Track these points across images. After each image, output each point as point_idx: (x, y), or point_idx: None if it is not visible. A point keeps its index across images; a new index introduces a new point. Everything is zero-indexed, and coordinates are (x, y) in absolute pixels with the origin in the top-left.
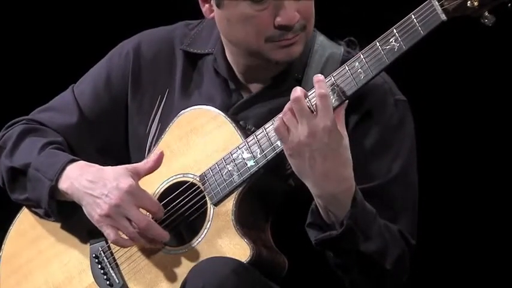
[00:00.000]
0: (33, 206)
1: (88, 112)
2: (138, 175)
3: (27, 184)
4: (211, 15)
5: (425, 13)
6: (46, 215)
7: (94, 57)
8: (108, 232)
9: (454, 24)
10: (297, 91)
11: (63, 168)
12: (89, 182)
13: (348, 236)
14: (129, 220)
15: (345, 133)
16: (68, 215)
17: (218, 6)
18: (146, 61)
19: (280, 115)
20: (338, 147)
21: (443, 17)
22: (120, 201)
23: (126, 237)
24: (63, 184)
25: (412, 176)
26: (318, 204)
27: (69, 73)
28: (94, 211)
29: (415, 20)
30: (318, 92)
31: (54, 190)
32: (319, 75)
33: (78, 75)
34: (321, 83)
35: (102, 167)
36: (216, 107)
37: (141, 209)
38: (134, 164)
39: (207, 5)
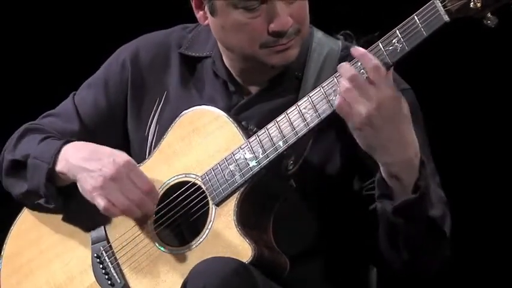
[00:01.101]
0: (33, 198)
1: (88, 120)
2: None
3: (27, 175)
4: (206, 22)
5: (428, 14)
6: (46, 203)
7: (95, 58)
8: (99, 201)
9: (457, 25)
10: (349, 68)
11: (59, 149)
12: (84, 157)
13: (424, 199)
14: (123, 194)
15: (401, 95)
16: (68, 204)
17: (212, 13)
18: (144, 66)
19: (337, 94)
20: (402, 110)
21: (446, 18)
22: (116, 173)
23: (117, 207)
24: (60, 164)
25: (430, 162)
26: (385, 175)
27: (70, 74)
28: (88, 184)
29: (417, 21)
30: (372, 64)
31: (51, 173)
32: (359, 48)
33: (78, 75)
34: (367, 56)
35: (99, 145)
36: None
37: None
38: None
39: (201, 12)
